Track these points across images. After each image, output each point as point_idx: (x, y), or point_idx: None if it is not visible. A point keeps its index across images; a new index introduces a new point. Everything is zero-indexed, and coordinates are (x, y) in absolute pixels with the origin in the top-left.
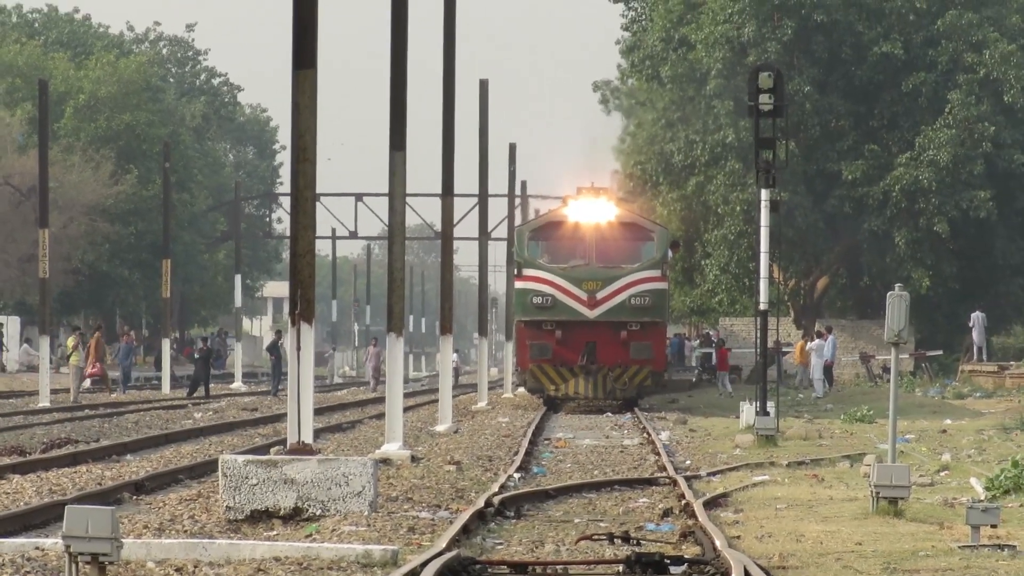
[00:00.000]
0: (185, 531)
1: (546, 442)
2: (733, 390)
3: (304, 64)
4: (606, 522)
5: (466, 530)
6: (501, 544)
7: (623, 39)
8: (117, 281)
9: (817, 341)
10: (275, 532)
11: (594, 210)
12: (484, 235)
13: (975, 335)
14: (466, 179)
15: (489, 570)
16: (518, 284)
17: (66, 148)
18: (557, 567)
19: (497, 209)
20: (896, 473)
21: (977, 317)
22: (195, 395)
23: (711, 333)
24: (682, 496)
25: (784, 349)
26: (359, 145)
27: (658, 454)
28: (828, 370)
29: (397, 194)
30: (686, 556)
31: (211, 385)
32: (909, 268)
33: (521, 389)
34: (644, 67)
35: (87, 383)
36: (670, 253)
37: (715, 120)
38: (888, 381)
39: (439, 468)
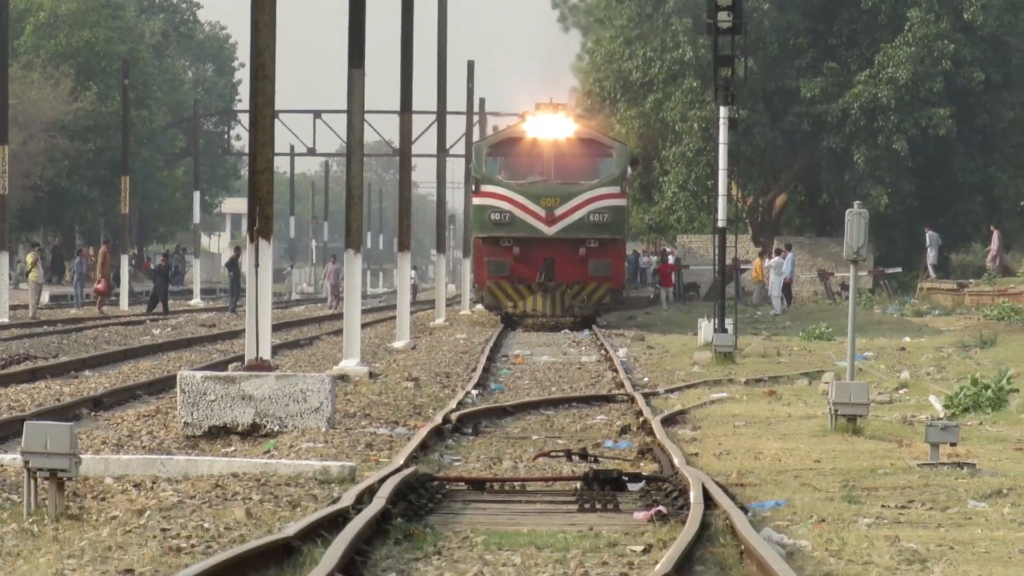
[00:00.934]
0: (143, 447)
1: (504, 359)
2: (688, 307)
3: None
4: (564, 439)
5: (424, 447)
6: (459, 461)
7: None
8: (76, 197)
9: (776, 258)
10: (233, 448)
11: (552, 126)
12: (442, 152)
13: (930, 254)
14: (424, 96)
15: (447, 487)
16: (476, 201)
17: (26, 65)
18: (515, 484)
19: (455, 126)
20: (855, 391)
21: (931, 236)
22: (154, 311)
23: (668, 250)
24: (640, 413)
25: (742, 266)
26: (317, 62)
27: (616, 371)
28: (787, 287)
29: (355, 111)
30: (644, 473)
31: (169, 301)
32: (868, 186)
33: (479, 306)
34: None
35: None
36: (629, 170)
37: (673, 37)
38: (847, 298)
39: (397, 384)
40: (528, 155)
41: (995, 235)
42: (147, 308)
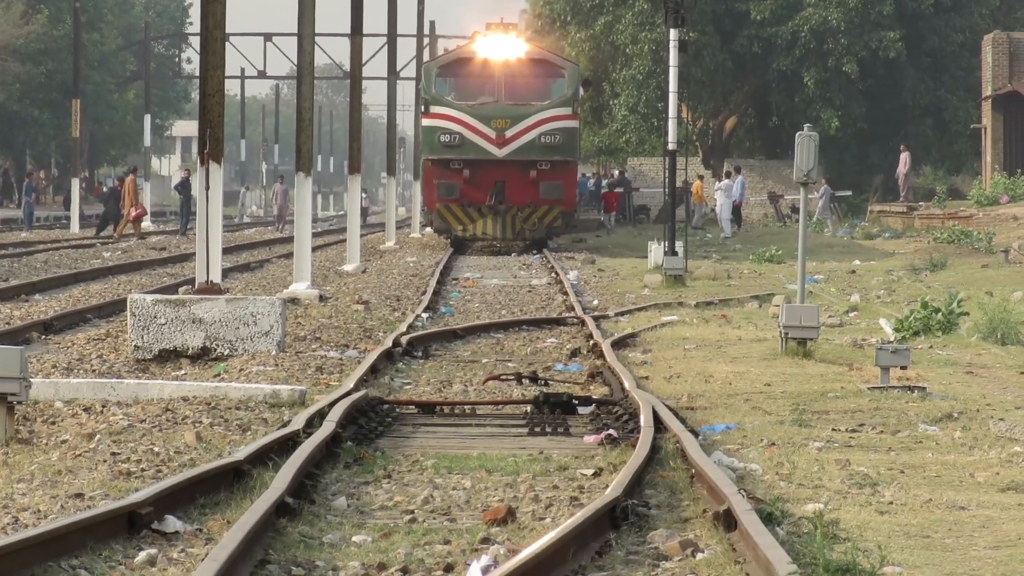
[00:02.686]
0: (93, 371)
1: (454, 282)
2: (638, 230)
3: None
4: (514, 362)
5: (374, 370)
6: (409, 384)
7: None
8: (27, 121)
9: (726, 181)
10: (183, 372)
11: (503, 46)
12: (393, 75)
13: (820, 205)
14: (375, 19)
15: (397, 410)
16: (425, 122)
17: None
18: (465, 407)
19: (406, 49)
20: (805, 314)
21: (825, 189)
22: (101, 234)
23: (617, 173)
24: (590, 336)
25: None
26: None
27: (566, 294)
28: (736, 210)
29: (306, 34)
30: (594, 397)
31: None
32: (818, 108)
33: (429, 229)
34: None
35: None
36: (581, 91)
37: None
38: (797, 221)
39: (347, 308)
40: (478, 76)
41: (904, 156)
42: (97, 230)
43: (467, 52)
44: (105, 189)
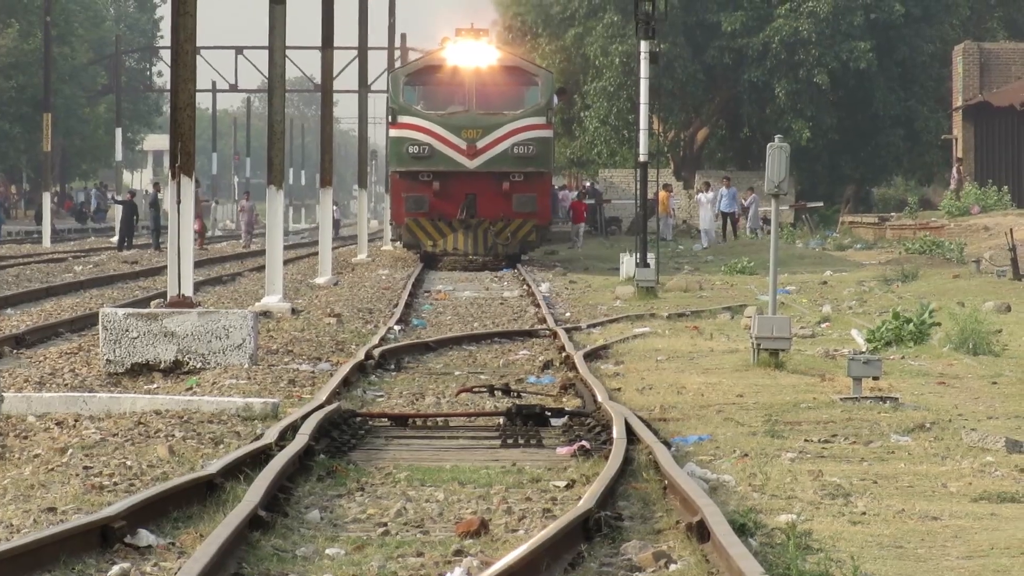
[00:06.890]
0: (66, 385)
1: (426, 294)
2: (610, 242)
3: None
4: (486, 375)
5: (346, 382)
6: (382, 396)
7: None
8: None
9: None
10: (156, 385)
11: (474, 53)
12: (364, 88)
13: (751, 214)
14: (346, 32)
15: (370, 423)
16: (393, 132)
17: None
18: (438, 420)
19: (377, 62)
20: (777, 325)
21: (753, 198)
22: (124, 245)
23: (590, 185)
24: (562, 348)
25: None
26: None
27: (538, 306)
28: (727, 220)
29: (277, 47)
30: (567, 408)
31: (92, 239)
32: (789, 119)
33: (399, 243)
34: None
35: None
36: (555, 99)
37: None
38: (768, 232)
39: (319, 320)
40: (448, 84)
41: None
42: (120, 244)
43: (436, 59)
44: (116, 200)
